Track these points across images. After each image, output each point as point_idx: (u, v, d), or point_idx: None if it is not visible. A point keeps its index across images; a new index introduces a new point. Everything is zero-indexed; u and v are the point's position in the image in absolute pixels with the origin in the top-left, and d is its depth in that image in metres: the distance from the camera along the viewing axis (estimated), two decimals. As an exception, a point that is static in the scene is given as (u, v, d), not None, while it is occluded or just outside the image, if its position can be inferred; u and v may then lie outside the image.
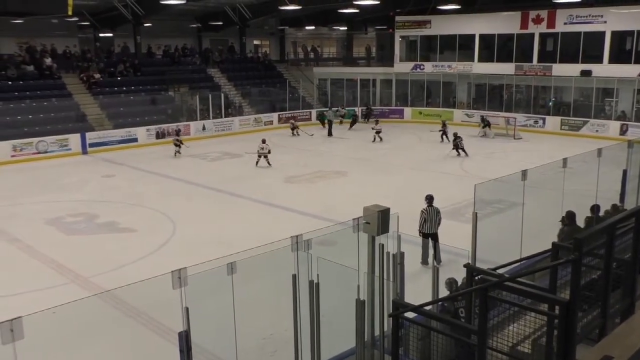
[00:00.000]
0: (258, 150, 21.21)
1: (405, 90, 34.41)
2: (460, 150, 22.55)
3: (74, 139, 24.18)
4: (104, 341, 8.33)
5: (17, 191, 18.13)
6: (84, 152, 24.28)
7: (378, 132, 26.17)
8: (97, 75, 28.24)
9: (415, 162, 21.59)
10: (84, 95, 27.36)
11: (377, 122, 27.13)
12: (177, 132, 24.44)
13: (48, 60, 27.49)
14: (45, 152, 23.32)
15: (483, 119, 27.91)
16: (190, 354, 5.45)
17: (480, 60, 31.73)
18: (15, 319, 4.37)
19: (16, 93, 25.48)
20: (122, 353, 8.23)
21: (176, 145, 23.27)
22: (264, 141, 21.28)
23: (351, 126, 30.47)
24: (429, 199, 11.58)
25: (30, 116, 24.67)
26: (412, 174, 20.00)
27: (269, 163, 20.90)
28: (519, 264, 6.76)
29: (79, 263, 11.84)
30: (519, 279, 4.62)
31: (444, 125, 26.29)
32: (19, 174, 20.82)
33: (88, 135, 24.63)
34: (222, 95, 30.26)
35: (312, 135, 27.41)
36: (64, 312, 5.01)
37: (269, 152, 21.03)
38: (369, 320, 6.55)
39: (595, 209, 9.72)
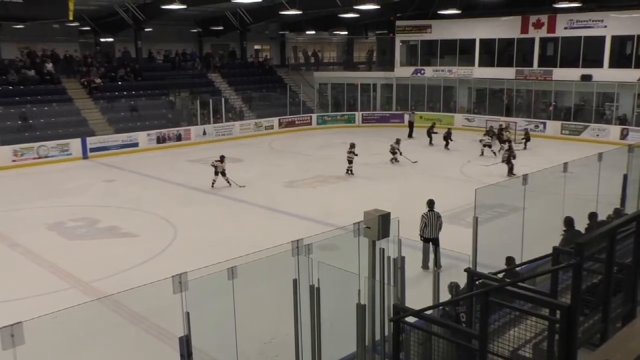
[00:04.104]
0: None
1: (405, 95, 34.44)
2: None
3: (75, 144, 24.20)
4: (104, 346, 8.32)
5: (18, 196, 18.14)
6: (85, 156, 24.30)
7: (510, 149, 20.65)
8: (98, 80, 28.30)
9: (416, 166, 21.58)
10: (85, 100, 27.41)
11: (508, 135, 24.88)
12: (222, 159, 18.73)
13: (49, 65, 27.55)
14: (46, 156, 23.34)
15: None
16: (191, 359, 5.45)
17: (481, 64, 31.78)
18: (15, 324, 4.37)
19: (17, 98, 25.51)
20: (123, 358, 8.22)
21: (219, 174, 18.50)
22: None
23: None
24: (430, 203, 11.57)
25: (31, 121, 24.70)
26: (413, 179, 20.00)
27: (347, 171, 20.12)
28: (519, 268, 6.76)
29: (79, 268, 11.84)
30: (520, 284, 4.62)
31: (432, 126, 26.58)
32: (19, 178, 20.84)
33: (89, 140, 24.66)
34: (223, 99, 30.30)
35: (415, 162, 22.25)
36: (65, 317, 5.02)
37: (355, 155, 20.13)
38: (370, 324, 6.55)
39: (591, 216, 9.61)
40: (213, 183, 18.44)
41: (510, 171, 19.15)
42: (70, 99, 26.94)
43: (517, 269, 7.02)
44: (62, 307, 4.93)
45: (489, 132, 26.57)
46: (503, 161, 19.90)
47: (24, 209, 16.59)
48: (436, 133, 26.22)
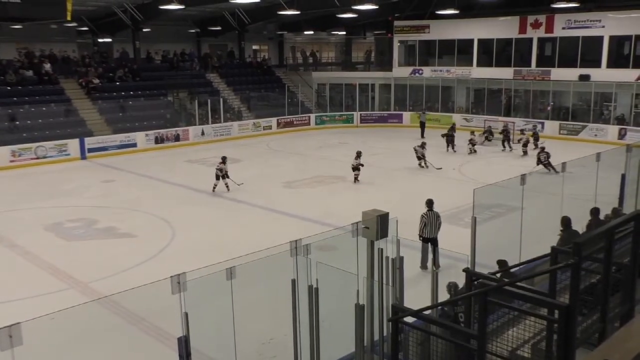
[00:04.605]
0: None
1: (404, 95, 34.46)
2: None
3: (73, 144, 24.17)
4: (103, 347, 8.31)
5: (16, 197, 18.11)
6: (83, 157, 24.27)
7: (543, 151, 20.45)
8: (96, 81, 28.27)
9: (414, 166, 21.58)
10: (83, 100, 27.38)
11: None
12: (223, 160, 18.30)
13: (47, 66, 27.52)
14: (44, 157, 23.30)
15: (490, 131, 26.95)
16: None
17: (479, 64, 31.79)
18: (13, 324, 4.37)
19: (15, 98, 25.48)
20: (122, 359, 8.21)
21: (221, 177, 18.08)
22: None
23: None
24: (429, 203, 11.57)
25: (28, 121, 24.66)
26: (411, 179, 20.00)
27: (355, 178, 18.92)
28: (518, 268, 6.76)
29: (78, 268, 11.82)
30: (518, 284, 4.62)
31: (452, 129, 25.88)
32: (17, 179, 20.81)
33: (87, 140, 24.62)
34: (221, 100, 30.30)
35: (439, 168, 21.06)
36: (63, 318, 5.01)
37: (361, 165, 18.94)
38: (369, 325, 6.55)
39: (594, 211, 9.67)
40: (214, 187, 18.06)
41: (553, 169, 18.60)
42: (69, 100, 26.90)
43: (516, 268, 7.02)
44: (61, 308, 4.92)
45: (487, 132, 26.61)
46: (540, 163, 19.76)
47: (22, 209, 16.56)
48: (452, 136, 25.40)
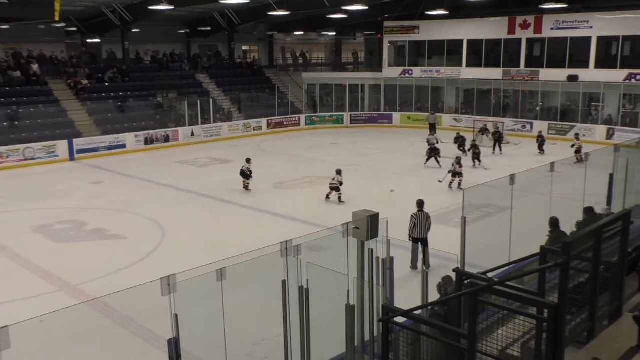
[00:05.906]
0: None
1: (394, 95, 34.54)
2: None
3: (62, 146, 23.99)
4: (92, 350, 8.26)
5: (4, 198, 17.95)
6: (72, 158, 24.10)
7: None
8: (85, 82, 28.09)
9: (404, 167, 21.64)
10: (72, 101, 27.19)
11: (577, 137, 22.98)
12: (248, 160, 18.48)
13: (35, 67, 27.31)
14: (32, 158, 23.11)
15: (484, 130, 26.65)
16: (179, 361, 5.43)
17: (469, 65, 31.92)
18: (1, 327, 4.33)
19: (2, 99, 25.26)
20: (111, 361, 8.16)
21: (246, 177, 18.26)
22: (338, 172, 16.81)
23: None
24: (420, 204, 11.60)
25: (16, 123, 24.45)
26: (401, 179, 20.02)
27: (339, 199, 16.63)
28: (507, 267, 6.80)
29: (67, 271, 11.74)
30: (507, 283, 4.65)
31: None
32: (5, 181, 20.62)
33: (75, 141, 24.44)
34: (211, 100, 30.22)
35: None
36: (52, 321, 4.97)
37: (341, 184, 16.69)
38: (359, 325, 6.55)
39: (587, 210, 9.68)
40: (247, 186, 18.20)
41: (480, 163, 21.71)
42: (57, 101, 26.71)
43: (505, 268, 7.06)
44: (49, 311, 4.89)
45: (483, 130, 26.58)
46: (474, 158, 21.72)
47: (10, 211, 16.42)
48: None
